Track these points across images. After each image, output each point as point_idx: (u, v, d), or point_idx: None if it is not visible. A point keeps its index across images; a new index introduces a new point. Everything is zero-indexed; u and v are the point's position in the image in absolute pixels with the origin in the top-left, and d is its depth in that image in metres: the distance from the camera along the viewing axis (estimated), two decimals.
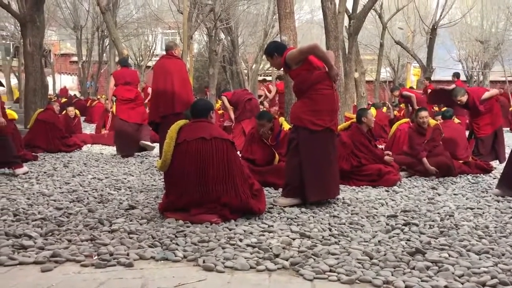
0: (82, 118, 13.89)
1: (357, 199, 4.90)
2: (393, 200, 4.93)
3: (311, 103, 4.44)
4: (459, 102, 7.33)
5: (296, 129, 4.54)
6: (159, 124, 6.21)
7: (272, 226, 3.77)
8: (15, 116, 7.51)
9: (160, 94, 6.31)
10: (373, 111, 11.36)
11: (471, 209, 4.54)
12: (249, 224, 3.81)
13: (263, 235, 3.52)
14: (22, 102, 11.15)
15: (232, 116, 10.03)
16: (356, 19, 12.70)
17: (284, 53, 4.51)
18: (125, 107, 8.12)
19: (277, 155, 5.63)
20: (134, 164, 7.25)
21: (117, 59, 17.25)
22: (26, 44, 10.41)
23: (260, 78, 25.07)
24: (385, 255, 3.11)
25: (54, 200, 4.56)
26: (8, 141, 6.04)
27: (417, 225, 3.87)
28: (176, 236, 3.43)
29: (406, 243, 3.40)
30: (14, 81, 28.11)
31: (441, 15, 19.34)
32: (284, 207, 4.42)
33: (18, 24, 13.59)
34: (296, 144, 4.51)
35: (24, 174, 5.94)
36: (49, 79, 21.56)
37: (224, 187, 3.87)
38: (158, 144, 7.83)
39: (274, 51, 4.61)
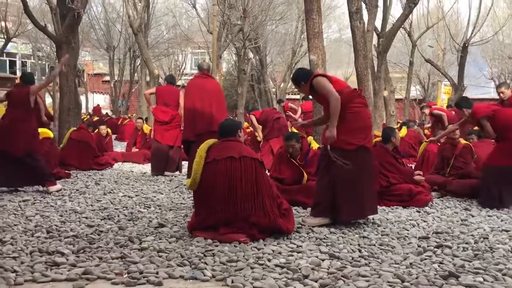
0: (113, 136, 14.16)
1: (387, 219, 4.82)
2: (424, 221, 4.83)
3: (344, 123, 4.40)
4: (501, 95, 6.87)
5: (326, 150, 4.48)
6: (192, 143, 6.22)
7: (301, 246, 3.74)
8: (51, 134, 7.70)
9: (197, 113, 6.29)
10: (404, 130, 11.26)
11: (507, 231, 4.40)
12: (277, 244, 3.79)
13: (292, 255, 3.49)
14: (57, 121, 11.44)
15: (260, 134, 10.07)
16: (385, 38, 12.66)
17: (310, 80, 4.53)
18: (160, 128, 8.26)
19: (305, 174, 5.61)
20: (163, 182, 7.33)
21: (148, 78, 17.62)
22: None
23: (288, 96, 25.11)
24: (417, 278, 3.04)
25: (86, 218, 4.64)
26: (42, 159, 6.21)
27: (450, 247, 3.78)
28: (204, 255, 3.43)
29: (439, 266, 3.32)
30: (48, 100, 28.99)
31: (472, 33, 19.07)
32: (313, 227, 4.38)
33: (54, 45, 14.04)
34: (327, 164, 4.47)
35: (57, 191, 6.07)
36: (82, 98, 22.12)
37: (253, 206, 3.87)
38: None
39: (300, 79, 4.65)
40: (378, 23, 13.27)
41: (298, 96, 25.27)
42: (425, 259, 3.48)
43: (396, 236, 4.16)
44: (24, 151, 6.02)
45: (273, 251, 3.58)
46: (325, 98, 4.45)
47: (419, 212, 5.31)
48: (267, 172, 4.50)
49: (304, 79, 4.61)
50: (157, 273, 3.07)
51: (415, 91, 28.01)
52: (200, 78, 6.62)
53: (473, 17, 19.28)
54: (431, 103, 12.56)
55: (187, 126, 6.48)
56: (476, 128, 7.35)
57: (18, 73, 32.49)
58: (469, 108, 6.23)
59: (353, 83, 8.53)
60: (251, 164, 3.98)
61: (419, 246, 3.82)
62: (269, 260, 3.35)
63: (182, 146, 7.33)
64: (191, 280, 3.00)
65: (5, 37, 20.98)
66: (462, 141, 6.75)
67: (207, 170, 3.98)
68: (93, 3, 24.54)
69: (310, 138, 6.02)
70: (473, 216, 5.12)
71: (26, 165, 6.00)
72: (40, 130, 7.46)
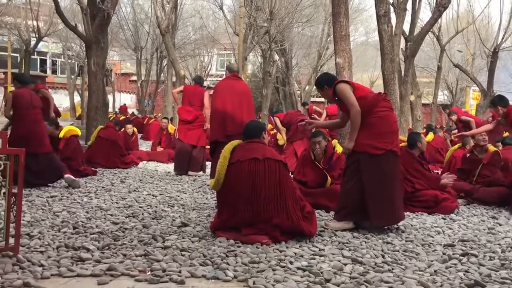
0: (139, 136, 14.34)
1: (411, 225, 4.75)
2: (450, 228, 4.75)
3: (370, 127, 4.37)
4: None
5: (356, 154, 4.43)
6: (220, 144, 6.18)
7: (323, 250, 3.72)
8: (79, 132, 7.85)
9: (227, 114, 6.22)
10: (430, 135, 11.08)
11: None
12: (299, 246, 3.78)
13: (314, 259, 3.48)
14: (84, 119, 11.65)
15: (284, 137, 10.07)
16: (413, 42, 12.49)
17: (333, 85, 4.50)
18: (183, 127, 8.34)
19: (329, 178, 5.58)
20: (187, 182, 7.39)
21: (174, 79, 17.81)
22: (90, 64, 10.93)
23: (312, 99, 25.03)
24: (441, 286, 2.99)
25: (111, 215, 4.72)
26: (55, 156, 6.48)
27: (476, 256, 3.71)
28: (227, 256, 3.45)
29: (464, 274, 3.26)
30: (77, 98, 29.56)
31: (503, 38, 18.68)
32: (336, 231, 4.36)
33: (83, 45, 14.31)
34: (354, 168, 4.45)
35: (73, 182, 6.24)
36: (110, 97, 22.49)
37: (276, 208, 3.87)
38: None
39: (324, 83, 4.64)
40: (406, 27, 13.10)
41: (323, 99, 25.15)
42: (450, 267, 3.42)
43: (420, 242, 4.10)
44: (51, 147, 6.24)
45: (295, 253, 3.58)
46: (346, 107, 4.45)
47: (444, 219, 5.22)
48: (290, 174, 4.49)
49: (328, 83, 4.60)
50: (179, 271, 3.09)
51: (443, 96, 27.59)
52: (230, 80, 6.58)
53: (504, 21, 18.93)
54: (456, 109, 12.30)
55: (217, 127, 6.35)
56: (506, 134, 7.19)
57: (49, 72, 33.36)
58: (505, 107, 6.05)
59: (379, 86, 8.45)
60: (275, 166, 3.99)
61: (444, 253, 3.76)
62: (291, 263, 3.35)
63: (207, 147, 7.36)
64: (213, 280, 3.02)
65: (37, 36, 21.48)
66: (491, 147, 6.61)
67: (231, 171, 4.00)
68: (122, 4, 24.97)
69: (335, 142, 5.99)
70: (500, 225, 5.00)
71: (49, 161, 6.22)
72: (67, 127, 7.68)
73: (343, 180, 4.65)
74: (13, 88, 7.32)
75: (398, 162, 4.57)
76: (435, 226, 4.78)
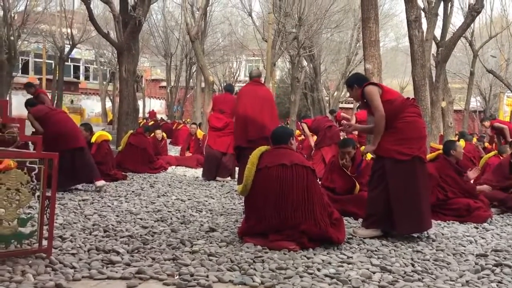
0: (168, 141, 14.51)
1: (442, 234, 4.66)
2: (483, 238, 4.63)
3: (396, 132, 4.32)
4: None
5: (382, 159, 4.40)
6: (244, 149, 6.18)
7: (351, 257, 3.68)
8: (110, 137, 7.99)
9: (249, 119, 6.29)
10: (462, 142, 10.83)
11: None
12: (327, 253, 3.76)
13: (342, 266, 3.45)
14: (115, 124, 11.87)
15: (312, 143, 10.02)
16: (445, 47, 12.27)
17: (363, 86, 4.47)
18: (213, 134, 8.42)
19: (357, 185, 5.52)
20: (215, 187, 7.44)
21: (203, 85, 17.97)
22: (121, 70, 11.13)
23: (341, 105, 24.86)
24: None
25: (141, 219, 4.79)
26: (90, 154, 6.65)
27: (510, 266, 3.60)
28: (254, 261, 3.45)
29: (497, 285, 3.18)
30: (108, 104, 30.16)
31: None
32: (364, 238, 4.31)
33: (115, 52, 14.60)
34: (380, 174, 4.40)
35: (102, 187, 6.37)
36: (140, 103, 22.87)
37: (303, 214, 3.85)
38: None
39: (354, 82, 4.60)
40: (437, 32, 12.89)
41: (351, 105, 24.96)
42: (483, 277, 3.34)
43: (452, 252, 4.01)
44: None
45: (322, 260, 3.55)
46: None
47: (477, 228, 5.10)
48: (318, 180, 4.47)
49: (358, 83, 4.56)
50: (207, 276, 3.11)
51: (475, 103, 26.96)
52: (252, 85, 6.65)
53: None
54: (496, 120, 11.88)
55: (239, 132, 6.46)
56: None
57: (81, 78, 34.19)
58: None
59: (409, 93, 8.32)
60: (303, 172, 3.97)
61: (476, 263, 3.67)
62: (318, 270, 3.32)
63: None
64: (240, 285, 3.03)
65: (71, 43, 22.03)
66: None
67: (259, 177, 4.00)
68: (153, 11, 25.40)
69: (363, 148, 5.92)
70: None
71: (84, 157, 6.40)
72: (99, 132, 7.85)
73: (369, 187, 4.60)
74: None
75: (425, 169, 4.48)
76: (467, 235, 4.67)
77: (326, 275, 3.22)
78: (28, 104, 6.73)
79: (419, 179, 4.34)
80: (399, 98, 4.45)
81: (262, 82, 6.84)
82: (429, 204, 4.56)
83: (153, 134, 11.55)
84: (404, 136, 4.33)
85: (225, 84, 28.72)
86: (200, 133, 11.86)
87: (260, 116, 6.28)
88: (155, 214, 5.07)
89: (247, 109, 6.38)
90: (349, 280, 3.12)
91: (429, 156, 6.17)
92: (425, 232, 4.59)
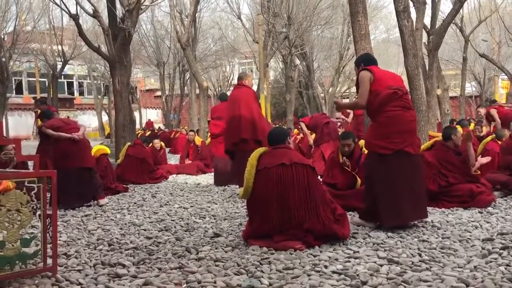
0: (167, 150, 14.49)
1: (447, 222, 4.65)
2: (488, 222, 4.62)
3: (379, 126, 4.41)
4: None
5: (368, 154, 4.57)
6: (233, 153, 6.67)
7: (357, 251, 3.67)
8: (108, 151, 7.98)
9: (229, 123, 6.78)
10: (459, 129, 10.81)
11: None
12: (333, 250, 3.75)
13: (349, 261, 3.44)
14: (113, 137, 11.86)
15: (311, 141, 10.01)
16: (436, 35, 12.27)
17: (363, 67, 4.52)
18: (214, 141, 8.58)
19: (358, 179, 5.52)
20: (217, 192, 7.43)
21: (197, 91, 17.98)
22: (115, 83, 11.12)
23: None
24: (482, 281, 2.90)
25: (144, 230, 4.77)
26: (97, 175, 6.57)
27: None
28: (261, 264, 3.44)
29: (505, 268, 3.16)
30: (105, 117, 30.17)
31: None
32: (361, 226, 4.49)
33: (107, 65, 14.60)
34: (368, 168, 4.55)
35: (105, 204, 6.31)
36: (136, 114, 22.87)
37: (306, 212, 3.84)
38: None
39: (361, 62, 4.71)
40: (427, 21, 12.89)
41: (347, 100, 24.96)
42: (491, 261, 3.33)
43: (457, 238, 4.00)
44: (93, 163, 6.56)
45: (329, 257, 3.54)
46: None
47: (481, 213, 5.09)
48: (319, 178, 4.46)
49: (365, 63, 4.62)
50: (214, 282, 3.10)
51: (471, 88, 27.00)
52: (235, 89, 7.12)
53: None
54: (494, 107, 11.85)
55: (225, 137, 6.99)
56: None
57: (76, 94, 34.17)
58: None
59: (403, 83, 8.30)
60: (303, 170, 3.96)
61: (483, 248, 3.66)
62: (325, 267, 3.31)
63: None
64: None
65: (62, 60, 22.05)
66: None
67: (259, 178, 3.99)
68: (142, 22, 25.41)
69: (362, 142, 5.92)
70: None
71: (91, 177, 6.36)
72: (97, 147, 7.83)
73: (364, 181, 4.77)
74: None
75: (414, 161, 4.47)
76: (472, 221, 4.66)
77: (333, 272, 3.21)
78: (45, 115, 6.74)
79: (403, 172, 4.36)
80: (386, 91, 4.38)
81: (247, 82, 6.99)
82: (421, 196, 4.54)
83: (151, 144, 11.53)
84: (385, 131, 4.37)
85: (219, 89, 28.86)
86: (198, 140, 11.84)
87: (238, 118, 6.65)
88: (159, 224, 5.06)
89: (229, 114, 6.84)
90: (357, 275, 3.11)
91: (425, 144, 6.18)
92: (430, 220, 4.59)
